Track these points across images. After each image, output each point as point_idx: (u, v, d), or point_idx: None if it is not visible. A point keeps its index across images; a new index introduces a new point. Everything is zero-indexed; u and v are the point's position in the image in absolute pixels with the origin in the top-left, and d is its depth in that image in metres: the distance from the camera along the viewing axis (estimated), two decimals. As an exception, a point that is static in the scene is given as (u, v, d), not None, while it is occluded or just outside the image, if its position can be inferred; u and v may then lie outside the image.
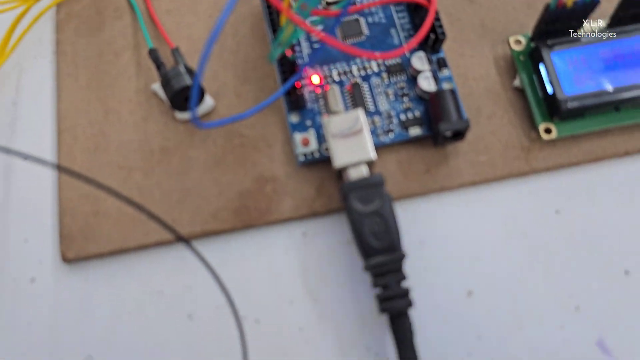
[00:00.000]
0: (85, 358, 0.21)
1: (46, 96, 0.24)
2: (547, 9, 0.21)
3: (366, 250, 0.20)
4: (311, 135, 0.22)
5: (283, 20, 0.18)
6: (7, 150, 0.16)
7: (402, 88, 0.23)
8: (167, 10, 0.25)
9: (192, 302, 0.21)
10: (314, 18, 0.24)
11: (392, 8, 0.24)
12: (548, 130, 0.22)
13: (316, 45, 0.23)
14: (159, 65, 0.23)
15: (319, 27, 0.24)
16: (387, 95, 0.23)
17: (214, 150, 0.23)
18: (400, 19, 0.24)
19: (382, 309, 0.19)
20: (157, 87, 0.23)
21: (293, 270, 0.21)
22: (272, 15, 0.23)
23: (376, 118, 0.22)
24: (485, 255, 0.21)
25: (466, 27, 0.24)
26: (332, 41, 0.17)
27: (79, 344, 0.21)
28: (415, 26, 0.23)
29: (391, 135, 0.22)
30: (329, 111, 0.22)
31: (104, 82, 0.24)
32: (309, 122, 0.22)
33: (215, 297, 0.21)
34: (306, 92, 0.23)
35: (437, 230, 0.21)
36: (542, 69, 0.22)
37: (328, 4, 0.24)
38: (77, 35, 0.25)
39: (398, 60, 0.23)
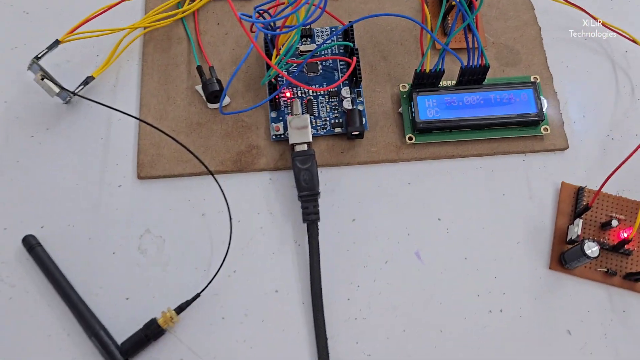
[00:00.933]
0: (145, 229, 0.38)
1: (133, 85, 0.42)
2: (415, 72, 0.39)
3: (300, 188, 0.37)
4: (281, 125, 0.40)
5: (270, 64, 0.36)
6: (109, 107, 0.32)
7: (335, 105, 0.40)
8: (209, 42, 0.43)
9: (206, 207, 0.39)
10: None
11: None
12: (410, 138, 0.40)
13: (291, 74, 0.41)
14: (201, 75, 0.41)
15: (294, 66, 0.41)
16: (326, 108, 0.40)
17: (226, 127, 0.40)
18: (341, 64, 0.41)
19: (304, 220, 0.37)
20: (199, 87, 0.41)
21: (262, 198, 0.39)
22: (268, 53, 0.40)
23: (318, 120, 0.40)
24: (366, 198, 0.39)
25: (379, 74, 0.42)
26: (293, 81, 0.35)
27: (143, 221, 0.38)
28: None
29: (325, 130, 0.40)
30: (292, 113, 0.40)
31: (167, 80, 0.42)
32: (281, 118, 0.40)
33: (220, 206, 0.38)
34: (282, 101, 0.40)
35: (342, 185, 0.39)
36: (412, 104, 0.40)
37: (301, 52, 0.41)
38: (155, 51, 0.43)
39: (335, 89, 0.41)
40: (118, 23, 0.43)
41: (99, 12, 0.41)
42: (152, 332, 0.35)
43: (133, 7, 0.44)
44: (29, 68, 0.39)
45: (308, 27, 0.42)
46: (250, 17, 0.35)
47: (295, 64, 0.41)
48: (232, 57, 0.43)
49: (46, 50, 0.39)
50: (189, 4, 0.43)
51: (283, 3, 0.37)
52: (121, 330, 0.35)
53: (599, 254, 0.34)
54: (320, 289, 0.36)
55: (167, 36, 0.43)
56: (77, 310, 0.36)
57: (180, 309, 0.36)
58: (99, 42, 0.43)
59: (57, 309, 0.36)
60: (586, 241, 0.35)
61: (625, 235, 0.36)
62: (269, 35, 0.38)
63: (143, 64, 0.42)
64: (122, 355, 0.35)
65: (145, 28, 0.43)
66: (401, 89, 0.41)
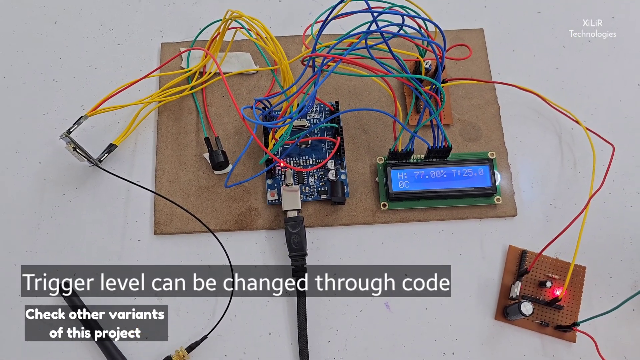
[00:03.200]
0: (161, 278, 0.46)
1: (149, 150, 0.49)
2: (389, 150, 0.46)
3: (290, 249, 0.45)
4: (276, 191, 0.47)
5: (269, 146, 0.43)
6: (129, 181, 0.40)
7: (321, 174, 0.48)
8: (215, 113, 0.50)
9: (212, 260, 0.46)
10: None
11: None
12: (384, 205, 0.47)
13: (285, 149, 0.48)
14: (208, 146, 0.48)
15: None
16: (314, 177, 0.48)
17: (229, 191, 0.48)
18: (328, 142, 0.49)
19: (293, 275, 0.45)
20: (206, 155, 0.48)
21: (259, 253, 0.47)
22: (266, 137, 0.47)
23: (307, 188, 0.47)
24: (346, 255, 0.47)
25: (360, 146, 0.49)
26: (288, 165, 0.42)
27: (159, 271, 0.46)
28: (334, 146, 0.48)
29: (312, 196, 0.47)
30: (285, 182, 0.47)
31: (179, 147, 0.49)
32: (275, 185, 0.47)
33: (222, 259, 0.46)
34: (277, 169, 0.48)
35: (326, 243, 0.47)
36: (387, 175, 0.47)
37: (295, 126, 0.48)
38: (168, 120, 0.50)
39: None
40: (136, 93, 0.50)
41: (120, 89, 0.47)
42: (167, 368, 0.43)
43: (149, 80, 0.51)
44: (61, 138, 0.46)
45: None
46: (251, 107, 0.42)
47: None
48: (234, 128, 0.50)
49: (75, 125, 0.46)
50: (197, 79, 0.50)
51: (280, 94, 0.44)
52: (142, 366, 0.43)
53: (533, 311, 0.42)
54: (306, 332, 0.44)
55: (179, 107, 0.50)
56: (104, 347, 0.44)
57: (190, 348, 0.43)
58: (120, 110, 0.49)
59: (86, 345, 0.44)
60: (523, 302, 0.43)
61: (558, 293, 0.44)
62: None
63: (158, 132, 0.49)
64: (143, 387, 0.43)
65: (159, 102, 0.49)
66: (378, 162, 0.48)
